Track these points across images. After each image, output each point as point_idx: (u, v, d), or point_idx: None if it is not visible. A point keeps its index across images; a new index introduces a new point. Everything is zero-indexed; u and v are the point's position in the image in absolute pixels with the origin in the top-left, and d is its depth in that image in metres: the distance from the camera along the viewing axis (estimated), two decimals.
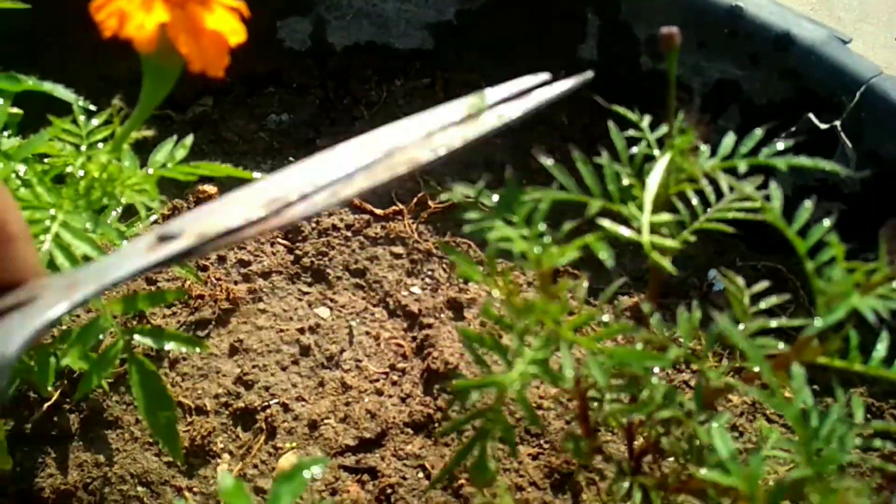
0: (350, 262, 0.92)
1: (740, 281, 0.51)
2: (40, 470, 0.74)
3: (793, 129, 0.86)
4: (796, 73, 0.83)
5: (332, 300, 0.89)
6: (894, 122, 0.78)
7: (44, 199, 0.49)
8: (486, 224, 0.40)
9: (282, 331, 0.85)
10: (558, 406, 0.75)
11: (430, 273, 0.92)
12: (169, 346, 0.57)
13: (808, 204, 0.41)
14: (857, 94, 0.79)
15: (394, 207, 0.96)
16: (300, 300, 0.88)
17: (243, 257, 0.90)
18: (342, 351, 0.84)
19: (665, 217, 0.47)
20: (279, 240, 0.93)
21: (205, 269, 0.89)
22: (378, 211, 0.96)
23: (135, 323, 0.84)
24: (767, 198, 0.45)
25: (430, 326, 0.86)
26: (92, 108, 0.60)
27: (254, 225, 0.32)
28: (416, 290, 0.91)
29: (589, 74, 0.40)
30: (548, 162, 0.47)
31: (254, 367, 0.82)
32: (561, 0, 0.95)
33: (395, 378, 0.83)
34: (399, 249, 0.94)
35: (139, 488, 0.74)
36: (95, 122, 0.59)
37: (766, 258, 0.92)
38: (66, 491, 0.72)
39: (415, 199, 0.96)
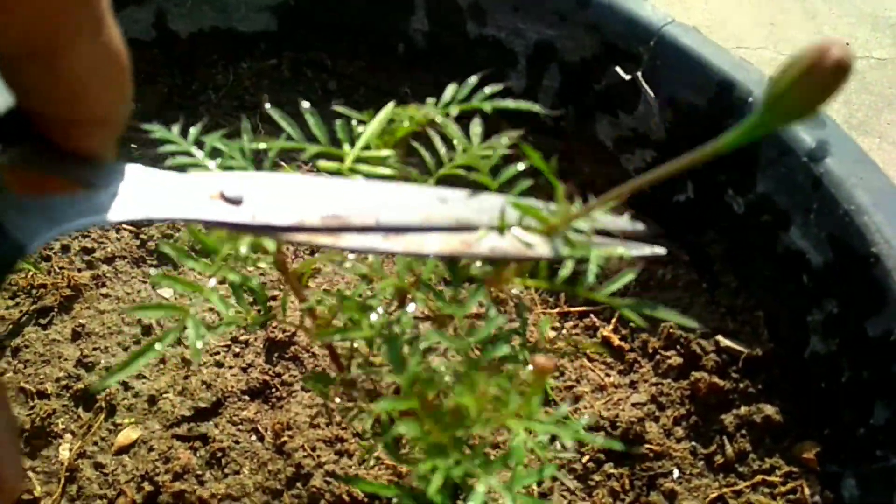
0: (196, 241, 0.94)
1: None
2: None
3: (603, 82, 0.90)
4: (598, 28, 0.87)
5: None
6: (684, 69, 0.82)
7: None
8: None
9: (124, 313, 0.87)
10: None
11: None
12: None
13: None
14: (651, 44, 0.83)
15: None
16: (144, 282, 0.90)
17: (87, 245, 0.92)
18: (184, 328, 0.86)
19: (382, 153, 0.51)
20: (124, 226, 0.95)
21: (48, 258, 0.91)
22: None
23: None
24: None
25: (274, 298, 0.89)
26: None
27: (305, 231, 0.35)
28: (262, 264, 0.93)
29: (660, 251, 0.40)
30: (275, 113, 0.51)
31: (95, 349, 0.84)
32: None
33: (238, 350, 0.86)
34: None
35: None
36: None
37: None
38: None
39: None
